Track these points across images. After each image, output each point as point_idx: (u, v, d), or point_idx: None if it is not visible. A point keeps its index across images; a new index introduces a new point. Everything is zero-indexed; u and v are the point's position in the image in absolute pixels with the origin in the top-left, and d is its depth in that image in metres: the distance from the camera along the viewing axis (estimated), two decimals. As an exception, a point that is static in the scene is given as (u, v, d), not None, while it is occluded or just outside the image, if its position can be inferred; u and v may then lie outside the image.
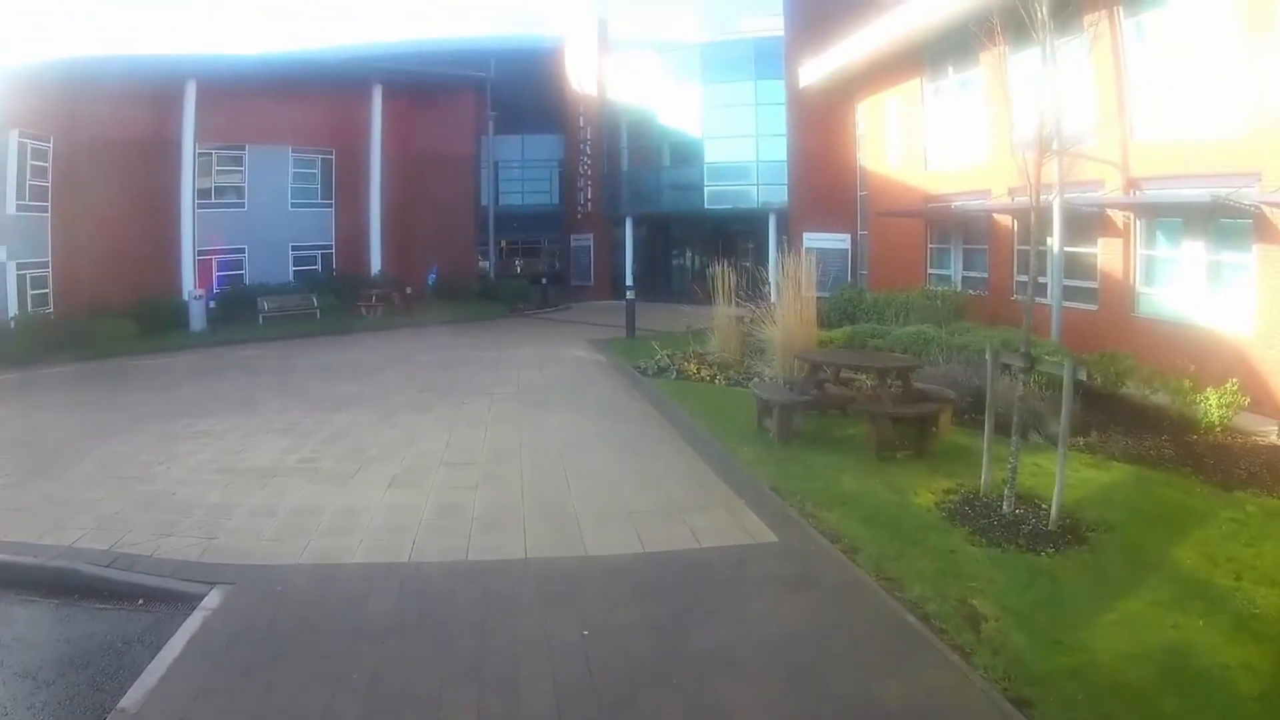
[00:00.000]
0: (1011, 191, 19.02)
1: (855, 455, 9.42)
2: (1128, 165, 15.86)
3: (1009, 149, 19.63)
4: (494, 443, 10.41)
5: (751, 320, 14.78)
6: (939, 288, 20.60)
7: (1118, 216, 16.19)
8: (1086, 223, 16.85)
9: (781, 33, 30.03)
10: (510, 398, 13.20)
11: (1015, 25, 18.79)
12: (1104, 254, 16.73)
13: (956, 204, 21.65)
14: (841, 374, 12.08)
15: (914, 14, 21.65)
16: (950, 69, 22.50)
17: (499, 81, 37.96)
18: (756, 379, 12.98)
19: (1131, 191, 15.78)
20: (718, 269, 16.07)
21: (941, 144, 23.21)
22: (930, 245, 23.91)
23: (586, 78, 37.88)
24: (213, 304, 25.28)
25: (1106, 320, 16.26)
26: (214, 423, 11.50)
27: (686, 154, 34.71)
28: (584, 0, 39.36)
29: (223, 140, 30.80)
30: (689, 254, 43.09)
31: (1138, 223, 15.94)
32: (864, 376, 12.12)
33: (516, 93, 39.02)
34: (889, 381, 10.46)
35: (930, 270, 23.58)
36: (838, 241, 28.85)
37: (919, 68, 23.64)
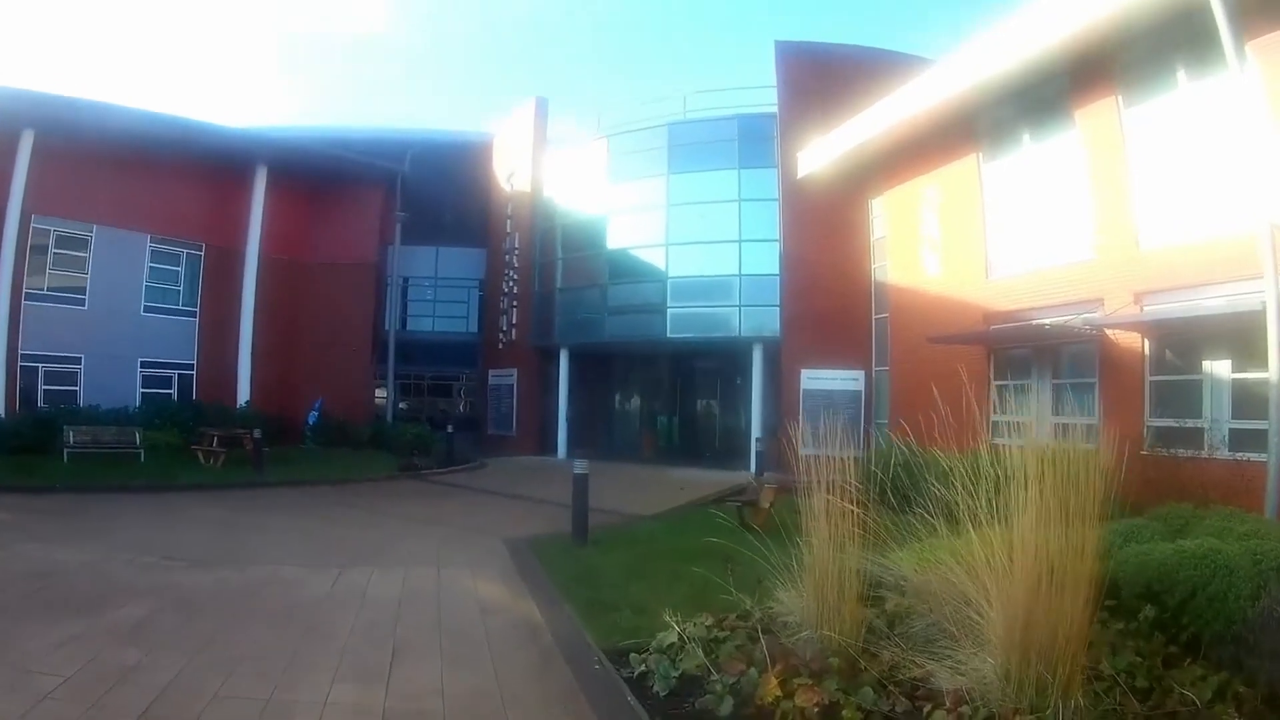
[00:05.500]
0: (1140, 298, 14.33)
1: None
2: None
3: (1133, 238, 14.62)
4: None
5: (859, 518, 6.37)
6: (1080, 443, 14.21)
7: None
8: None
9: (774, 107, 24.41)
10: None
11: (1133, 64, 13.94)
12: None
13: (1044, 322, 16.21)
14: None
15: (968, 66, 16.99)
16: (1025, 137, 17.39)
17: (413, 180, 32.36)
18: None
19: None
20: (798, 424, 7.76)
21: (1012, 242, 17.97)
22: (994, 381, 17.93)
23: (518, 174, 31.91)
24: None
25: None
26: None
27: (643, 267, 28.18)
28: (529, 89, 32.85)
29: (63, 215, 25.03)
30: (642, 398, 36.25)
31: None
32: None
33: (433, 195, 33.28)
34: None
35: (994, 417, 17.48)
36: (847, 381, 22.77)
37: (973, 140, 18.88)
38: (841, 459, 6.42)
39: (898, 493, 6.88)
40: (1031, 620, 4.95)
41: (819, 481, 6.31)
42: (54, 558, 9.86)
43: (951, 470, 5.73)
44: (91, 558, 9.89)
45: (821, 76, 23.44)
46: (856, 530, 6.18)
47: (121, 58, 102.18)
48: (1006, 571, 5.09)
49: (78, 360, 25.40)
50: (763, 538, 6.99)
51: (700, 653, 6.07)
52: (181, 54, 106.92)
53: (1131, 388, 14.47)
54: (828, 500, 6.17)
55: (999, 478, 5.39)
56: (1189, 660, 5.98)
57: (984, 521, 5.34)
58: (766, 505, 12.57)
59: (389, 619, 7.55)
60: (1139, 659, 5.92)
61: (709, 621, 6.67)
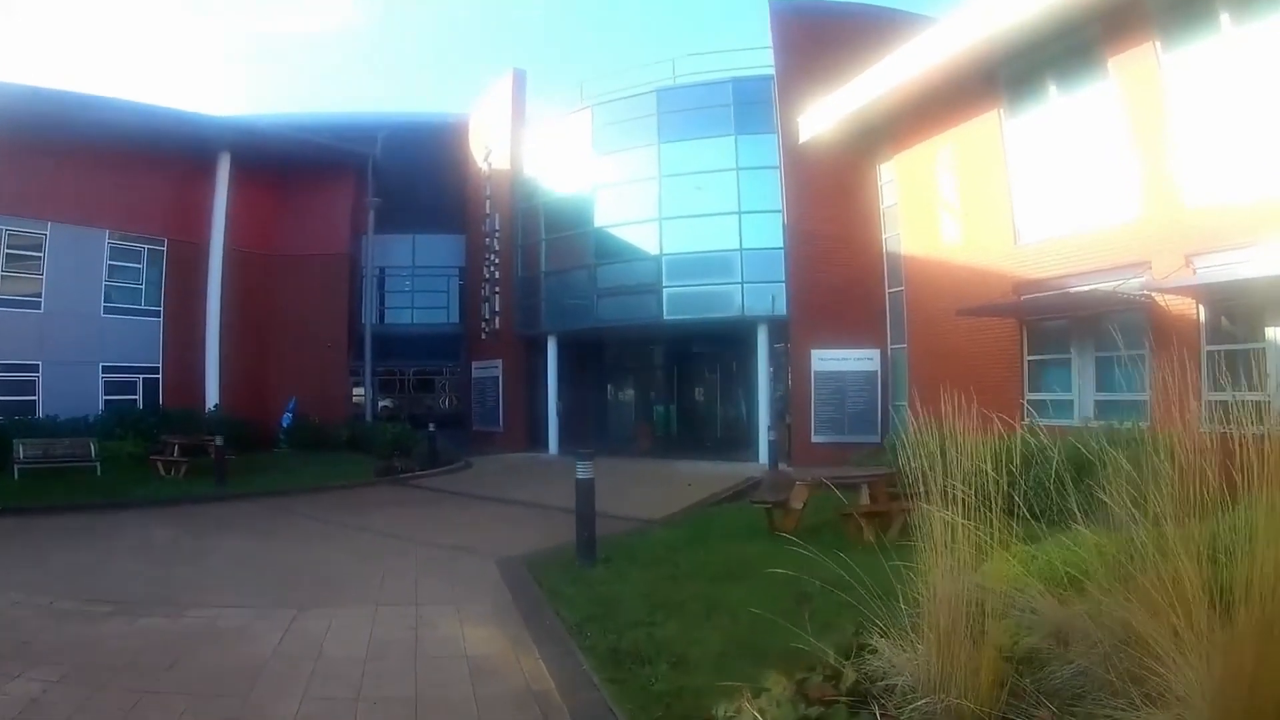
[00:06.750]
0: (1191, 259, 13.23)
1: None
2: None
3: (1179, 194, 13.38)
4: None
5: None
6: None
7: None
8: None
9: (771, 69, 22.98)
10: None
11: (1171, 5, 12.32)
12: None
13: (1086, 288, 15.00)
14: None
15: (985, 13, 15.88)
16: (1052, 89, 16.10)
17: (386, 165, 31.11)
18: None
19: None
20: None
21: (1043, 204, 16.64)
22: (1028, 356, 16.67)
23: (497, 152, 30.44)
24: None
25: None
26: None
27: (635, 245, 26.47)
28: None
29: (13, 212, 23.42)
30: (637, 386, 34.92)
31: None
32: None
33: (408, 180, 31.85)
34: None
35: (1028, 395, 16.33)
36: (862, 361, 21.38)
37: (992, 95, 17.70)
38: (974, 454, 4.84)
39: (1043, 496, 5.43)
40: (1261, 675, 3.49)
41: (934, 486, 4.76)
42: None
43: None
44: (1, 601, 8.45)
45: (820, 35, 21.94)
46: (998, 554, 4.71)
47: (74, 48, 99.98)
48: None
49: (35, 368, 23.96)
50: (804, 546, 5.66)
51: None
52: (137, 45, 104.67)
53: (1186, 359, 13.22)
54: (950, 517, 4.63)
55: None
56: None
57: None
58: (799, 506, 11.20)
59: (349, 691, 5.95)
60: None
61: (788, 689, 4.80)
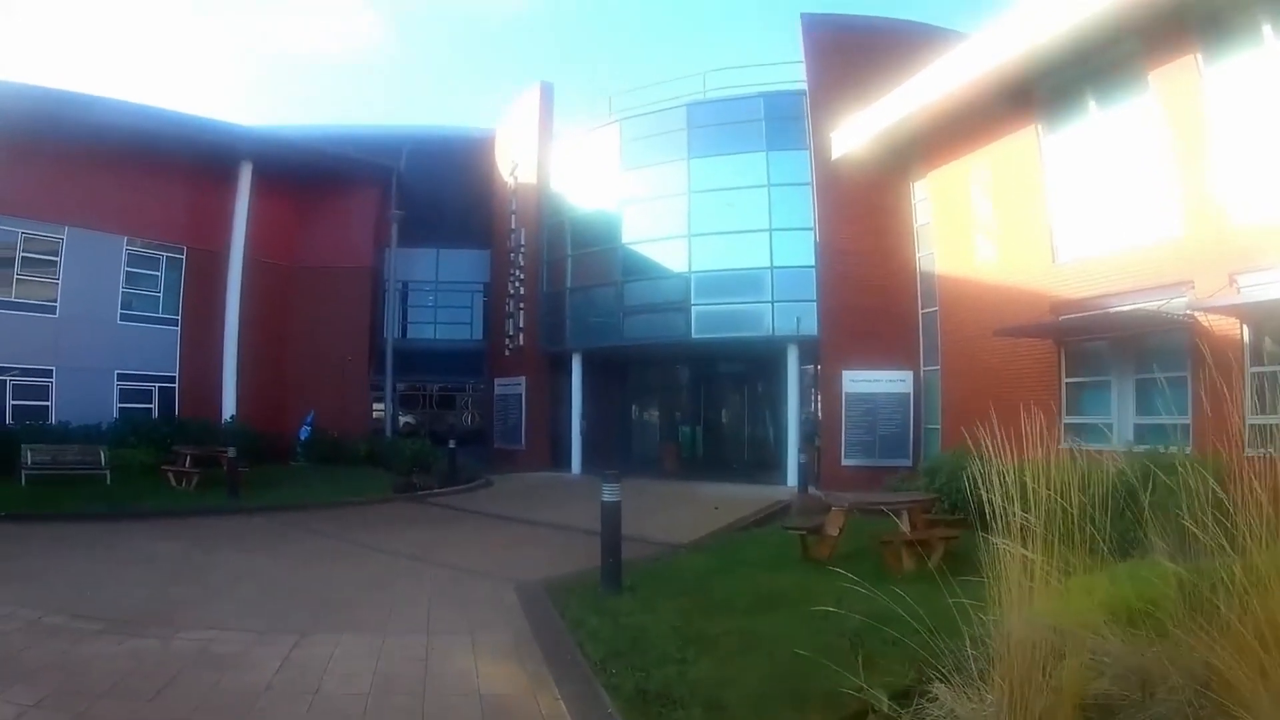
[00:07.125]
0: (1235, 277, 12.86)
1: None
2: None
3: (1224, 211, 12.98)
4: None
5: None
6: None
7: None
8: None
9: (803, 84, 22.70)
10: None
11: (1211, 17, 11.83)
12: None
13: (1126, 308, 14.48)
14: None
15: (1022, 27, 15.56)
16: (1091, 104, 15.74)
17: (410, 178, 31.15)
18: None
19: None
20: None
21: (1082, 222, 16.18)
22: (1065, 379, 16.15)
23: (523, 166, 30.19)
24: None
25: None
26: None
27: (663, 262, 26.15)
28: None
29: (31, 215, 23.49)
30: (663, 405, 34.60)
31: None
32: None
33: (432, 194, 31.84)
34: None
35: (1066, 419, 15.81)
36: (894, 382, 20.96)
37: (1030, 110, 17.28)
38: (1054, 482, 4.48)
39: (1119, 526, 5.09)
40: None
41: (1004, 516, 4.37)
42: None
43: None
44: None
45: (853, 50, 21.70)
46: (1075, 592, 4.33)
47: (99, 58, 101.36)
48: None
49: (49, 373, 23.95)
50: (843, 575, 5.30)
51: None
52: (163, 59, 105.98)
53: (1230, 381, 12.76)
54: (1028, 553, 4.24)
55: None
56: None
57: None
58: (835, 533, 10.80)
59: (349, 735, 5.54)
60: None
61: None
